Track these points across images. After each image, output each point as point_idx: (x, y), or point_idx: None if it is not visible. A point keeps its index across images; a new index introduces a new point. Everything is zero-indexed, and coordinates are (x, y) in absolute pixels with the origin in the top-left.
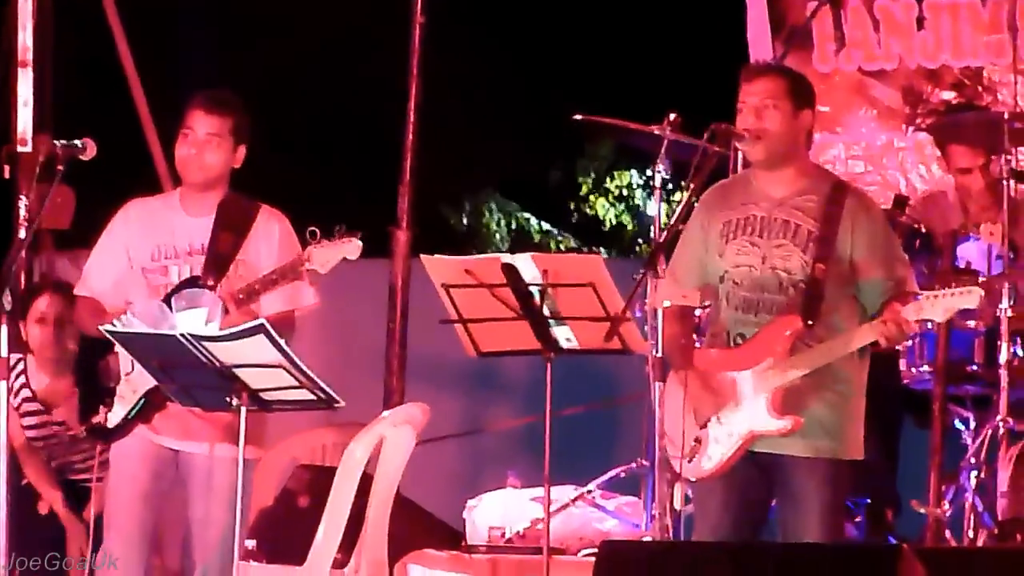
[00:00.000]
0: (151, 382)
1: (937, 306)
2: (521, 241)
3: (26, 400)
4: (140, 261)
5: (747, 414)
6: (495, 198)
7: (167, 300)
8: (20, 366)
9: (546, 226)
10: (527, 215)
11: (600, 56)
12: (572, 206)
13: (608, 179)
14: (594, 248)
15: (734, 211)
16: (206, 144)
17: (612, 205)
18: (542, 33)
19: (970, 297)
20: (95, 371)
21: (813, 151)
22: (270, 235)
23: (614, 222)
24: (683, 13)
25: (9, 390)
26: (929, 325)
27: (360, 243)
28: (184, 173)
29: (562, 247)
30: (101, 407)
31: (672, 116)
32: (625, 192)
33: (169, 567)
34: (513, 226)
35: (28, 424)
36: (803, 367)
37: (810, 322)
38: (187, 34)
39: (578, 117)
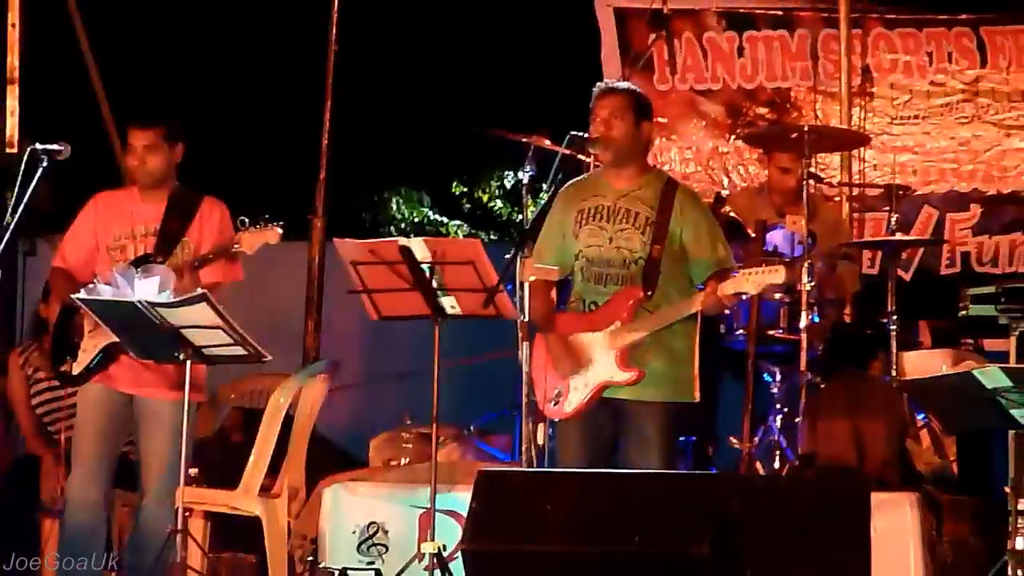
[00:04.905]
0: (109, 339)
1: (750, 281)
2: (419, 228)
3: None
4: (104, 241)
5: (599, 367)
6: (400, 191)
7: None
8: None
9: (441, 217)
10: (424, 209)
11: (490, 72)
12: (466, 199)
13: (496, 177)
14: (480, 233)
15: (586, 201)
16: (145, 155)
17: (499, 197)
18: (443, 51)
19: (776, 275)
20: (66, 329)
21: (654, 154)
22: (212, 221)
23: (501, 212)
24: (550, 41)
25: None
26: (744, 297)
27: (280, 231)
28: (134, 179)
29: (458, 232)
30: (68, 358)
31: (538, 129)
32: (507, 186)
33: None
34: (414, 216)
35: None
36: (643, 329)
37: (649, 292)
38: (134, 51)
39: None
